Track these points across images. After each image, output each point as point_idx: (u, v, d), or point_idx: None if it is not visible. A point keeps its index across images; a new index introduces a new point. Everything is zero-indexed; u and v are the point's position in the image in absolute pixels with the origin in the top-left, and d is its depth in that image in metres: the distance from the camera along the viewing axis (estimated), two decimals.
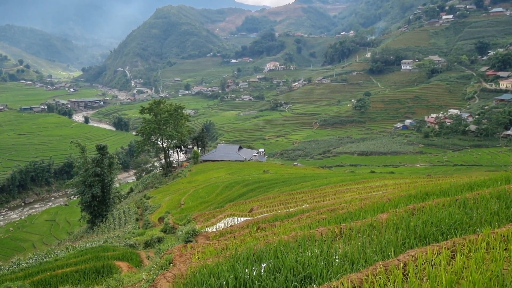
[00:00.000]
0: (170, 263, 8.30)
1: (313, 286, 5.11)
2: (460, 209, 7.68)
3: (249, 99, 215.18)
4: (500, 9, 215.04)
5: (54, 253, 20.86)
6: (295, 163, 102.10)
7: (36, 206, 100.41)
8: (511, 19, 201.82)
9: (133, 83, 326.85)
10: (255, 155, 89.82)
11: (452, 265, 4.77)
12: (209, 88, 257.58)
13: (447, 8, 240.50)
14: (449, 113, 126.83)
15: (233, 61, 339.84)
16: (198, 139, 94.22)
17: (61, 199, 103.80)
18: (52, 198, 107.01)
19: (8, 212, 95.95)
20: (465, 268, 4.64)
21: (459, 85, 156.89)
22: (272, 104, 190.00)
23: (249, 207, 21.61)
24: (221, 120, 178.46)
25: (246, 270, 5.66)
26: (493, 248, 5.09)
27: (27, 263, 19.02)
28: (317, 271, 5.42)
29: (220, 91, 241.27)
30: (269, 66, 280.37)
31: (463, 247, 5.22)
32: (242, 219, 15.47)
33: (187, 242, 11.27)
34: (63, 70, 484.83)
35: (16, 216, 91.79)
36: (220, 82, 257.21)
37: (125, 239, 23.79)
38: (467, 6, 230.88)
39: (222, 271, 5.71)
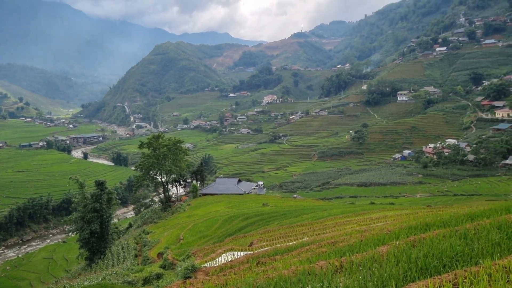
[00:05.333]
0: None
1: None
2: (461, 240, 7.62)
3: (247, 132, 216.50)
4: (493, 40, 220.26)
5: None
6: (295, 196, 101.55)
7: (33, 243, 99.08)
8: (503, 50, 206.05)
9: (132, 118, 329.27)
10: (254, 188, 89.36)
11: None
12: (208, 122, 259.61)
13: (440, 40, 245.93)
14: (447, 143, 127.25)
15: (231, 95, 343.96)
16: (197, 173, 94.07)
17: (59, 236, 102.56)
18: (50, 235, 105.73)
19: (5, 250, 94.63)
20: None
21: (456, 115, 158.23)
22: (270, 137, 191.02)
23: (249, 241, 21.37)
24: (220, 154, 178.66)
25: None
26: (495, 280, 5.03)
27: None
28: None
29: (218, 125, 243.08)
30: (267, 99, 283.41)
31: (465, 280, 5.16)
32: (242, 253, 15.27)
33: (187, 278, 11.09)
34: (63, 107, 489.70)
35: (13, 254, 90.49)
36: (219, 116, 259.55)
37: (124, 276, 23.38)
38: (460, 38, 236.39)
39: None
